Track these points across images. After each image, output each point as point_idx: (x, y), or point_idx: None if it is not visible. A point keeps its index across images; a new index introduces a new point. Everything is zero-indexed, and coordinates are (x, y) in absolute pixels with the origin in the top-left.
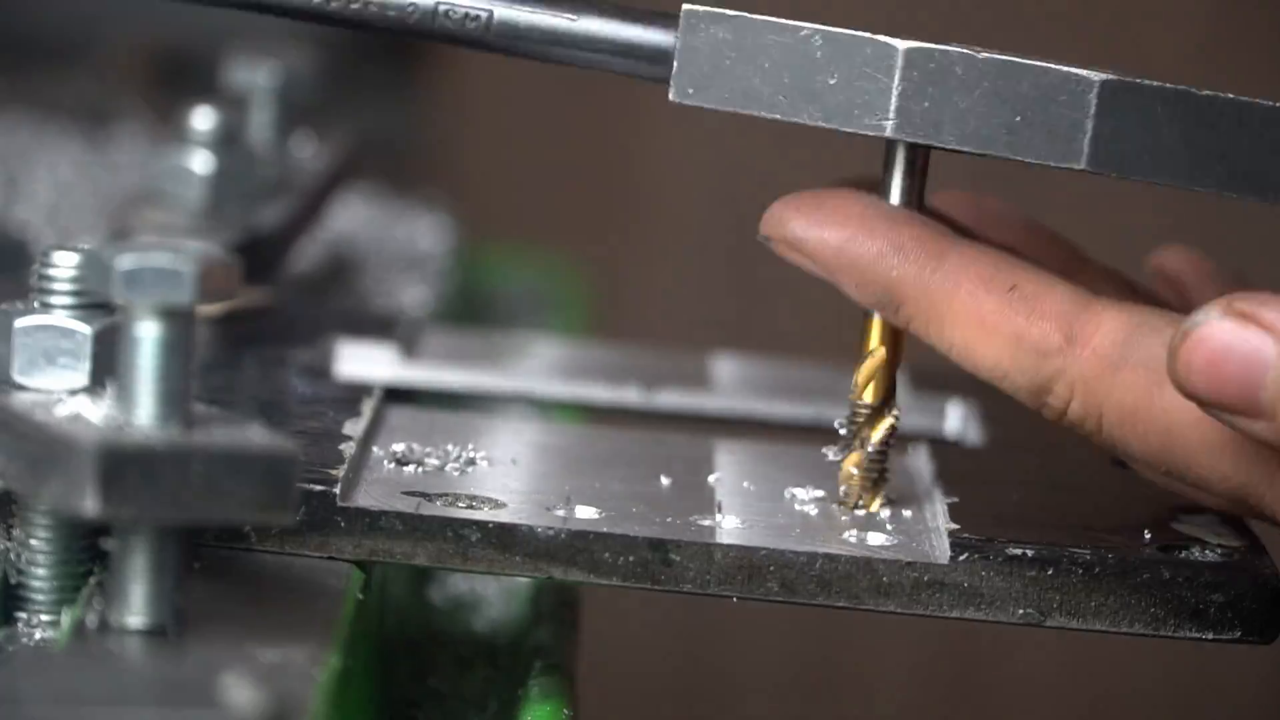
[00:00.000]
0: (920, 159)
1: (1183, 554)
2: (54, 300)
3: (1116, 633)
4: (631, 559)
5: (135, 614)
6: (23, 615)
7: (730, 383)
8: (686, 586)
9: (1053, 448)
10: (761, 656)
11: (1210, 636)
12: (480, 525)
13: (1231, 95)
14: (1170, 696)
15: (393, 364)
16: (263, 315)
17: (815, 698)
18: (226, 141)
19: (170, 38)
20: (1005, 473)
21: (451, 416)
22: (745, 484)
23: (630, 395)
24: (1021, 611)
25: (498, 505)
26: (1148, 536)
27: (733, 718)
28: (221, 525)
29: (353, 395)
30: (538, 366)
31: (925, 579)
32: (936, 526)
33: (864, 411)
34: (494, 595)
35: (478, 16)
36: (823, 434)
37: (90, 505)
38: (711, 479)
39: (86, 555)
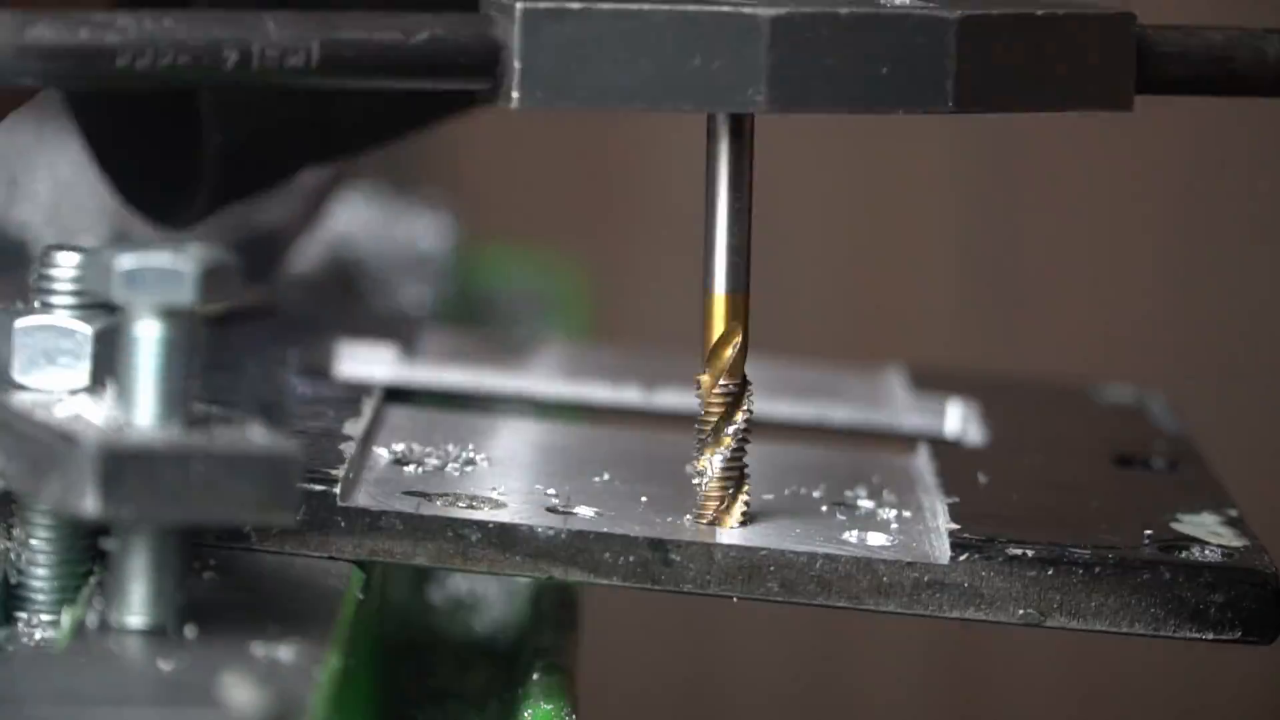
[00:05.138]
0: (748, 122)
1: (1183, 554)
2: (54, 300)
3: (1117, 633)
4: (631, 559)
5: (135, 614)
6: (23, 615)
7: None
8: (686, 586)
9: (1053, 448)
10: (762, 656)
11: (1210, 636)
12: (480, 525)
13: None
14: (1170, 696)
15: (393, 364)
16: (263, 315)
17: (816, 697)
18: None
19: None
20: (1005, 473)
21: (451, 416)
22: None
23: (630, 395)
24: (1021, 611)
25: (498, 505)
26: (1148, 536)
27: (733, 717)
28: (222, 525)
29: (353, 395)
30: (538, 366)
31: (925, 579)
32: (936, 526)
33: (721, 401)
34: (494, 595)
35: (298, 51)
36: (823, 434)
37: (90, 505)
38: None
39: (86, 555)
